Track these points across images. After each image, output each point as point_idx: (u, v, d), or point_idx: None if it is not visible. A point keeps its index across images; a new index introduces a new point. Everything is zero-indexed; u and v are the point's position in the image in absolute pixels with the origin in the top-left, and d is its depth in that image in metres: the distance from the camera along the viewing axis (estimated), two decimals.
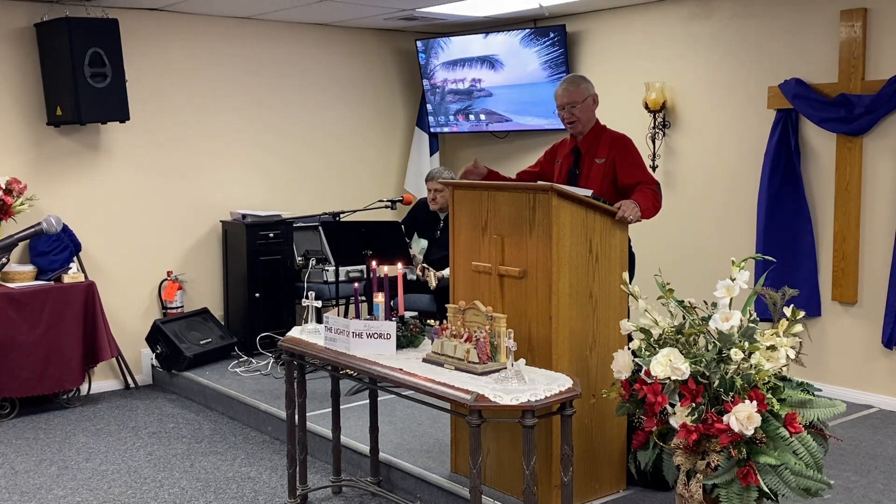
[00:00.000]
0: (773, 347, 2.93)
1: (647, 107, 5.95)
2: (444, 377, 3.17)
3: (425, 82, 7.25)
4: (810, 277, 5.30)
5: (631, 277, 4.12)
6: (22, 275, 5.54)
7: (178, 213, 6.42)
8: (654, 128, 5.99)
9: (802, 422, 2.89)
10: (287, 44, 6.82)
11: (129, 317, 6.23)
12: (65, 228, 5.47)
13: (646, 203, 3.87)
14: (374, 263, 3.78)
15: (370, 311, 3.72)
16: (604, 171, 4.09)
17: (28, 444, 4.99)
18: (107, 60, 5.62)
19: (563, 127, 6.58)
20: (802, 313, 3.04)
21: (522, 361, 3.20)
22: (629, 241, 4.18)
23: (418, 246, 5.90)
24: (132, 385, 6.15)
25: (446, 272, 5.54)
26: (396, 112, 7.49)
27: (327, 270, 6.21)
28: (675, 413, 2.91)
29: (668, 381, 2.94)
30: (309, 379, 4.67)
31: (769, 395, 2.87)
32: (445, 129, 7.32)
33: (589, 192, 3.72)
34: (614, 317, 3.64)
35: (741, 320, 2.97)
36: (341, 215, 5.91)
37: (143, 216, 6.27)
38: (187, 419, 5.46)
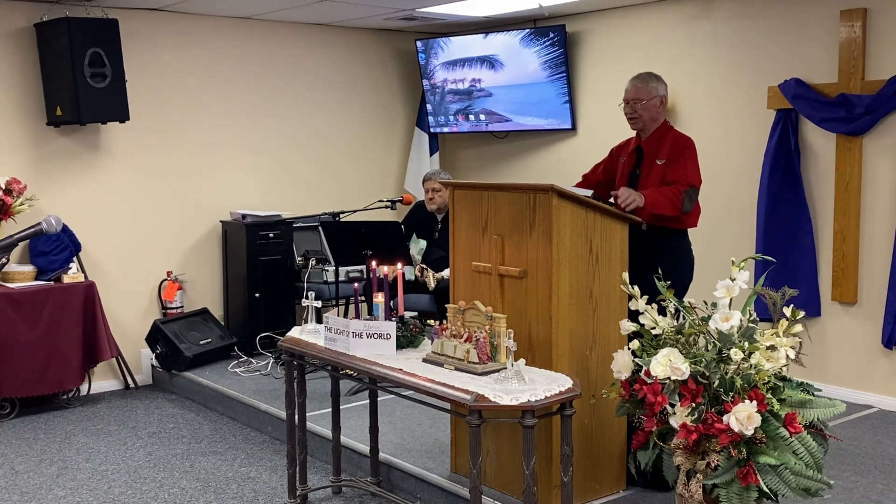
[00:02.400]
0: (772, 347, 2.93)
1: None
2: (444, 377, 3.17)
3: (425, 82, 7.25)
4: (810, 277, 5.30)
5: (689, 282, 4.10)
6: (22, 275, 5.54)
7: (178, 213, 6.42)
8: None
9: (802, 422, 2.89)
10: (287, 44, 6.82)
11: (129, 317, 6.23)
12: (65, 228, 5.46)
13: (657, 198, 3.81)
14: (374, 263, 3.78)
15: (370, 311, 3.72)
16: (663, 172, 4.01)
17: (28, 444, 4.99)
18: (107, 60, 5.62)
19: (562, 127, 6.66)
20: (802, 313, 3.04)
21: (522, 361, 3.19)
22: (689, 245, 4.16)
23: (416, 247, 5.90)
24: (132, 385, 6.15)
25: (445, 273, 5.55)
26: (396, 112, 7.49)
27: (327, 270, 6.21)
28: (675, 413, 2.91)
29: (668, 381, 2.94)
30: (309, 379, 4.67)
31: (769, 395, 2.87)
32: (445, 130, 7.32)
33: (589, 193, 3.72)
34: (614, 317, 3.64)
35: (741, 320, 2.97)
36: (341, 215, 5.91)
37: (143, 216, 6.27)
38: (187, 419, 5.46)
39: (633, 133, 4.27)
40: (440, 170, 6.17)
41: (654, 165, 4.06)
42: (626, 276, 3.33)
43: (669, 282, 3.19)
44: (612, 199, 3.85)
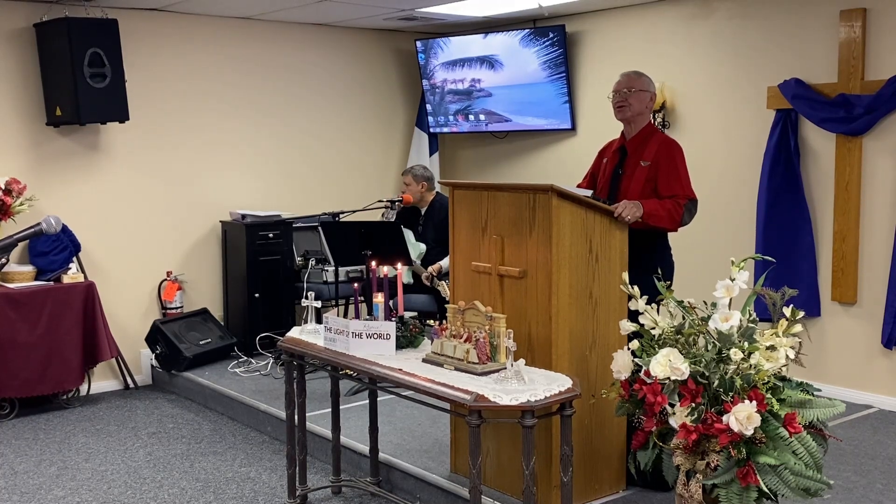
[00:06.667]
0: (772, 347, 2.93)
1: None
2: (443, 377, 3.17)
3: (425, 82, 7.25)
4: (810, 277, 5.30)
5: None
6: (22, 275, 5.54)
7: (178, 214, 6.42)
8: None
9: (802, 422, 2.89)
10: (287, 44, 6.82)
11: (128, 317, 6.23)
12: (64, 228, 5.47)
13: (656, 210, 3.77)
14: (373, 263, 3.78)
15: (370, 311, 3.72)
16: (647, 175, 3.95)
17: (28, 444, 4.99)
18: (106, 61, 5.62)
19: (562, 127, 6.66)
20: (802, 313, 3.04)
21: (522, 361, 3.19)
22: (669, 250, 4.11)
23: (416, 251, 5.88)
24: (132, 385, 6.15)
25: (444, 262, 5.56)
26: (396, 112, 7.49)
27: (327, 270, 6.21)
28: (674, 413, 2.91)
29: (667, 381, 2.94)
30: (309, 379, 4.67)
31: (769, 395, 2.87)
32: (445, 130, 7.32)
33: (589, 193, 3.72)
34: (614, 317, 3.64)
35: (741, 320, 2.97)
36: (341, 215, 5.90)
37: (142, 216, 6.27)
38: (187, 419, 5.46)
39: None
40: (418, 166, 6.13)
41: (637, 166, 4.00)
42: (625, 276, 3.33)
43: (661, 278, 3.22)
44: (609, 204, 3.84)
